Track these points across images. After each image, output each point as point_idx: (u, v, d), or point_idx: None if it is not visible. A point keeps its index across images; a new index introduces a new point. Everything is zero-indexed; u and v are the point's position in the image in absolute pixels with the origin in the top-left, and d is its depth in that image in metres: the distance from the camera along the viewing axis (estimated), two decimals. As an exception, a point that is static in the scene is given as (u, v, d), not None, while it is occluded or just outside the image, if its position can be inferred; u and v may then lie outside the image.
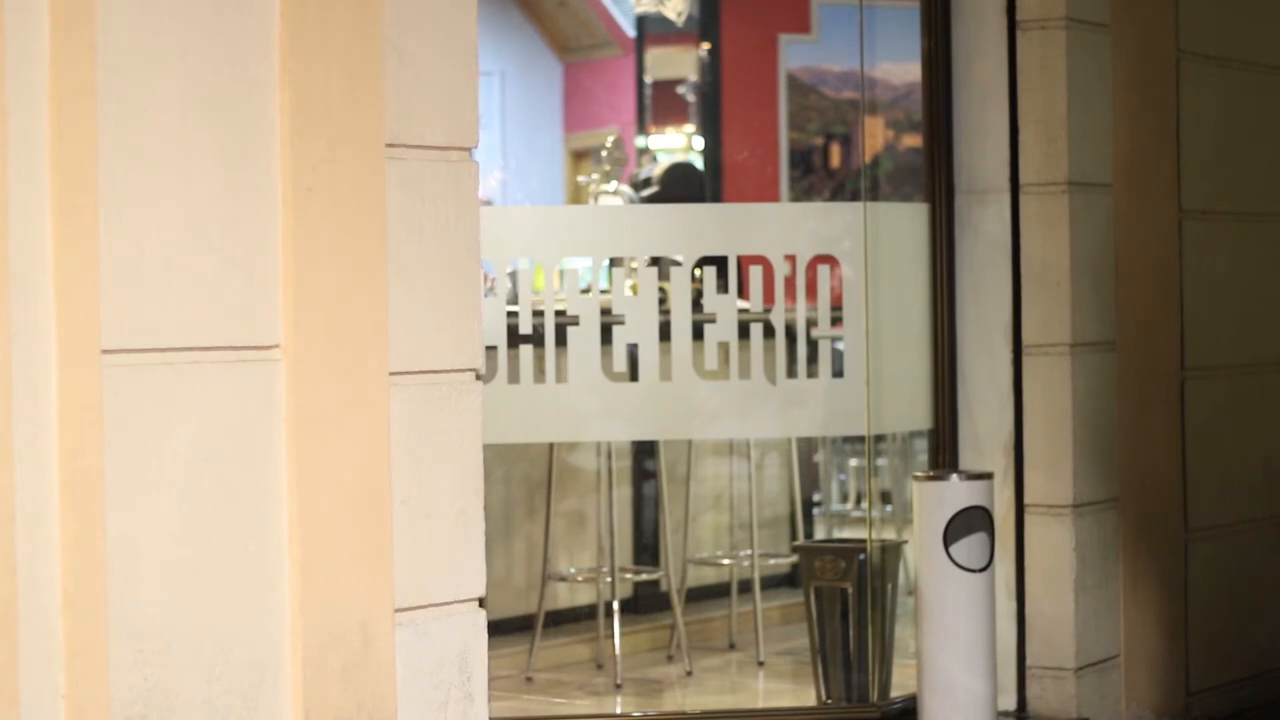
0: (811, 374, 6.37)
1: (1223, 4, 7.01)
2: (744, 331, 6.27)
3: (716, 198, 10.48)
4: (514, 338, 6.09)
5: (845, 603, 6.33)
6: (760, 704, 7.03)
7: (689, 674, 7.18)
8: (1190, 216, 6.81)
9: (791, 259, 6.30)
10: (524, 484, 7.49)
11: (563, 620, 7.55)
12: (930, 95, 6.47)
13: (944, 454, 6.51)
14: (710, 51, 11.07)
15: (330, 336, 3.88)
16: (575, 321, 6.11)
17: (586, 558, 7.67)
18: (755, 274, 6.28)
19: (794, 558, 7.68)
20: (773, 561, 7.91)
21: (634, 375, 6.22)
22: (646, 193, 9.15)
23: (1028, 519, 6.41)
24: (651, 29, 11.43)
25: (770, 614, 7.71)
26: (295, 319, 3.82)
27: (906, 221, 6.51)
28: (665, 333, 6.21)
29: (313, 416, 3.85)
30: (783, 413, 6.40)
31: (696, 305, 6.32)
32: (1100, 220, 6.49)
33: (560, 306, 6.13)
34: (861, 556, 6.32)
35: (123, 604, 3.59)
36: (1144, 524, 6.61)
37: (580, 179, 10.68)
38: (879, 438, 7.54)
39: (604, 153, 8.82)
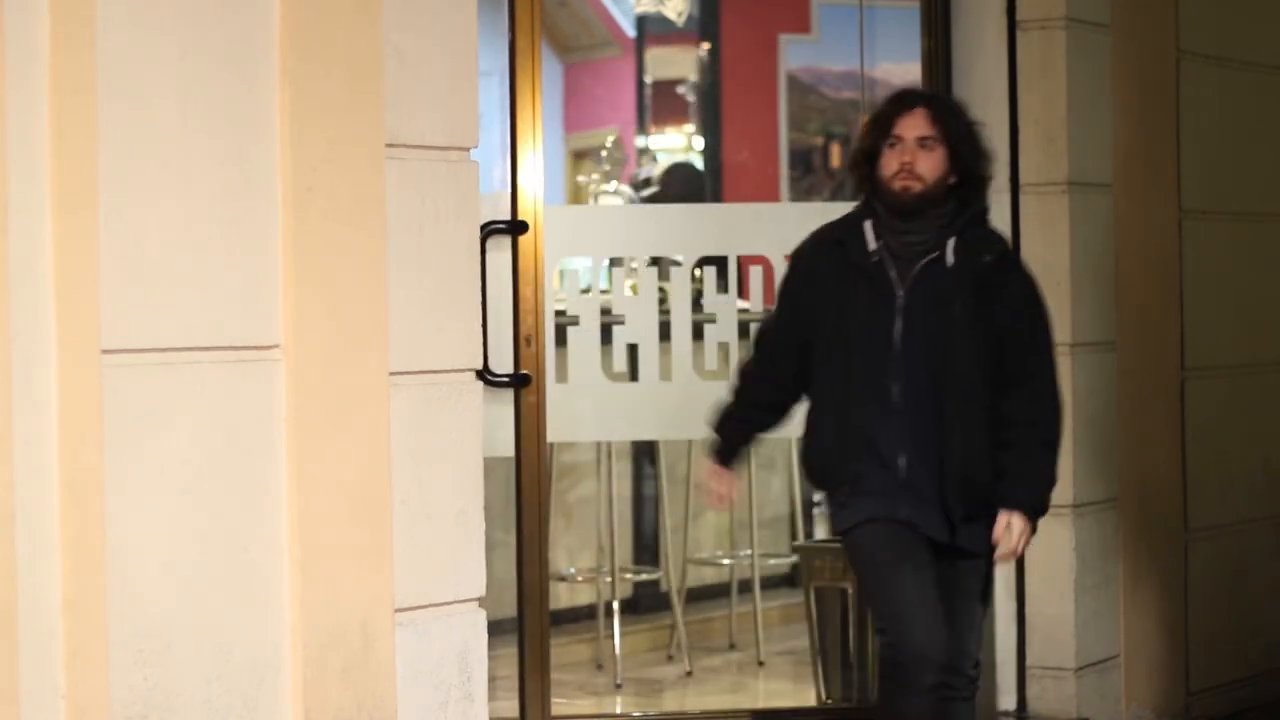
0: (811, 374, 6.34)
1: (1223, 4, 7.01)
2: (744, 331, 6.25)
3: (716, 198, 10.48)
4: (514, 338, 6.08)
5: (845, 603, 6.33)
6: (760, 704, 7.03)
7: (689, 674, 7.18)
8: (1190, 216, 6.81)
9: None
10: (524, 484, 7.48)
11: (563, 620, 7.55)
12: (930, 95, 6.46)
13: (944, 454, 6.49)
14: (710, 51, 11.06)
15: (330, 336, 3.88)
16: (575, 321, 6.10)
17: (586, 558, 7.67)
18: (755, 274, 6.27)
19: (794, 558, 7.68)
20: (773, 561, 7.90)
21: (634, 375, 6.22)
22: (646, 193, 9.15)
23: (1028, 519, 6.41)
24: (651, 29, 11.42)
25: (770, 614, 7.71)
26: (295, 319, 3.83)
27: (906, 221, 6.50)
28: (665, 333, 6.21)
29: (313, 416, 3.85)
30: (783, 413, 6.38)
31: (696, 305, 6.32)
32: (1100, 220, 6.49)
33: (560, 306, 6.13)
34: (861, 556, 6.30)
35: (123, 604, 3.59)
36: (1144, 524, 6.60)
37: (580, 179, 10.67)
38: (879, 438, 7.52)
39: (604, 153, 8.82)
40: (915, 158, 5.01)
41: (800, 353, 5.07)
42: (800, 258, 5.23)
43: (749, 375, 5.20)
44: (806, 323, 5.06)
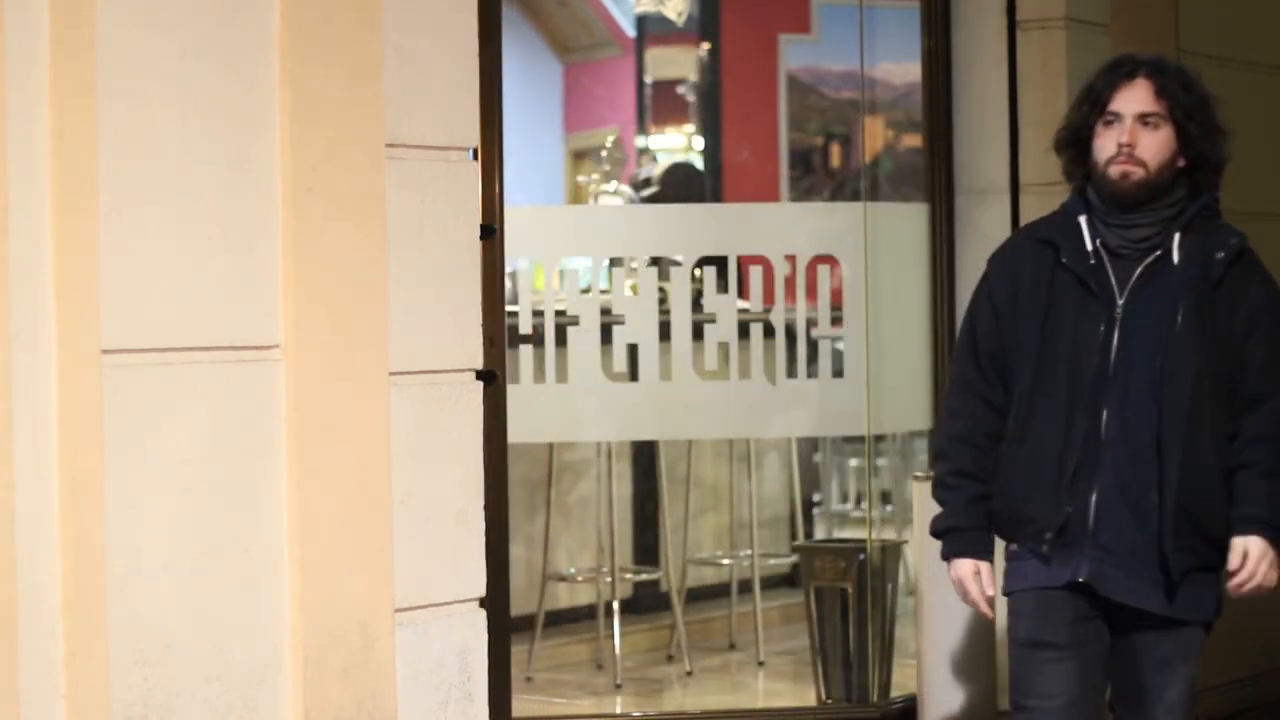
0: (811, 374, 6.37)
1: (1223, 4, 7.01)
2: (744, 331, 6.27)
3: (716, 198, 10.48)
4: (514, 338, 6.09)
5: (845, 603, 6.33)
6: (760, 704, 7.03)
7: (689, 674, 7.18)
8: (1190, 216, 6.81)
9: (791, 259, 6.30)
10: (524, 484, 7.49)
11: (563, 620, 7.55)
12: (930, 95, 6.48)
13: (944, 454, 6.49)
14: (710, 51, 11.06)
15: (330, 336, 3.88)
16: (575, 321, 6.11)
17: (586, 558, 7.67)
18: (755, 274, 6.28)
19: (794, 558, 7.68)
20: (773, 561, 7.90)
21: (634, 375, 6.23)
22: (646, 193, 9.14)
23: (1028, 519, 6.40)
24: (651, 29, 11.42)
25: (770, 614, 7.71)
26: (295, 319, 3.83)
27: (906, 221, 6.51)
28: (665, 333, 6.21)
29: (313, 416, 3.85)
30: (783, 413, 6.40)
31: (696, 305, 6.32)
32: (1100, 220, 6.49)
33: (560, 306, 6.13)
34: (861, 556, 6.31)
35: (123, 604, 3.59)
36: (1144, 524, 6.60)
37: (580, 179, 10.68)
38: (879, 438, 7.54)
39: (604, 153, 8.81)
40: (1136, 138, 4.25)
41: (1008, 377, 4.34)
42: (1001, 262, 4.45)
43: (965, 434, 4.39)
44: (1010, 339, 4.32)
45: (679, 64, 11.54)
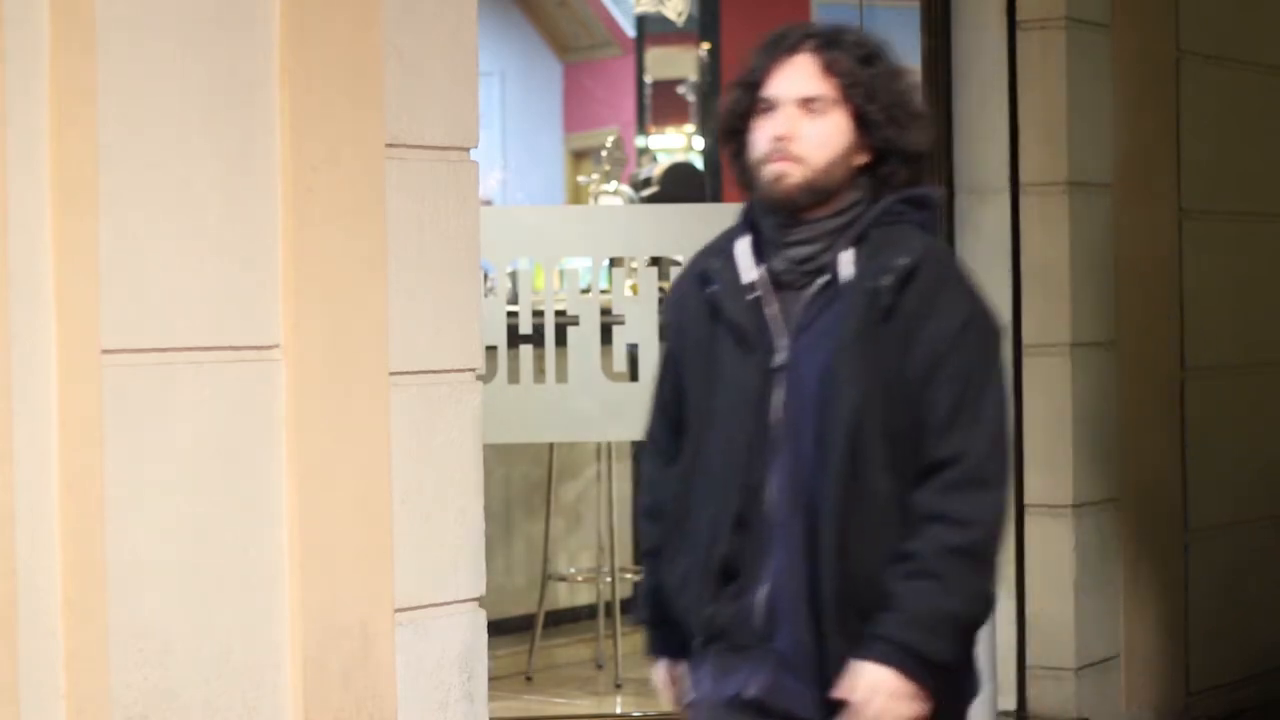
0: (811, 374, 6.36)
1: (1223, 4, 7.01)
2: (744, 331, 6.25)
3: (716, 198, 10.48)
4: (514, 338, 6.09)
5: (845, 603, 6.32)
6: (760, 704, 7.02)
7: (689, 674, 7.17)
8: (1190, 216, 6.81)
9: (791, 259, 6.28)
10: (524, 484, 7.49)
11: (563, 620, 7.55)
12: (930, 95, 6.47)
13: (944, 454, 6.48)
14: (710, 51, 11.07)
15: (330, 336, 3.88)
16: (575, 321, 6.10)
17: (586, 558, 7.67)
18: (755, 274, 6.26)
19: (794, 558, 7.67)
20: (773, 561, 7.89)
21: (634, 375, 6.22)
22: (646, 193, 9.15)
23: (1028, 519, 6.41)
24: (651, 29, 11.43)
25: (770, 614, 7.70)
26: (295, 319, 3.82)
27: (906, 221, 6.51)
28: (665, 333, 6.21)
29: (313, 416, 3.85)
30: (783, 413, 6.39)
31: (696, 305, 6.31)
32: (1100, 220, 6.49)
33: (560, 306, 6.13)
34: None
35: (123, 604, 3.59)
36: (1144, 524, 6.60)
37: (580, 179, 10.68)
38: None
39: (604, 153, 8.81)
40: (794, 129, 3.28)
41: None
42: (669, 302, 3.57)
43: (650, 508, 3.50)
44: (682, 394, 3.44)
45: (679, 64, 11.55)
